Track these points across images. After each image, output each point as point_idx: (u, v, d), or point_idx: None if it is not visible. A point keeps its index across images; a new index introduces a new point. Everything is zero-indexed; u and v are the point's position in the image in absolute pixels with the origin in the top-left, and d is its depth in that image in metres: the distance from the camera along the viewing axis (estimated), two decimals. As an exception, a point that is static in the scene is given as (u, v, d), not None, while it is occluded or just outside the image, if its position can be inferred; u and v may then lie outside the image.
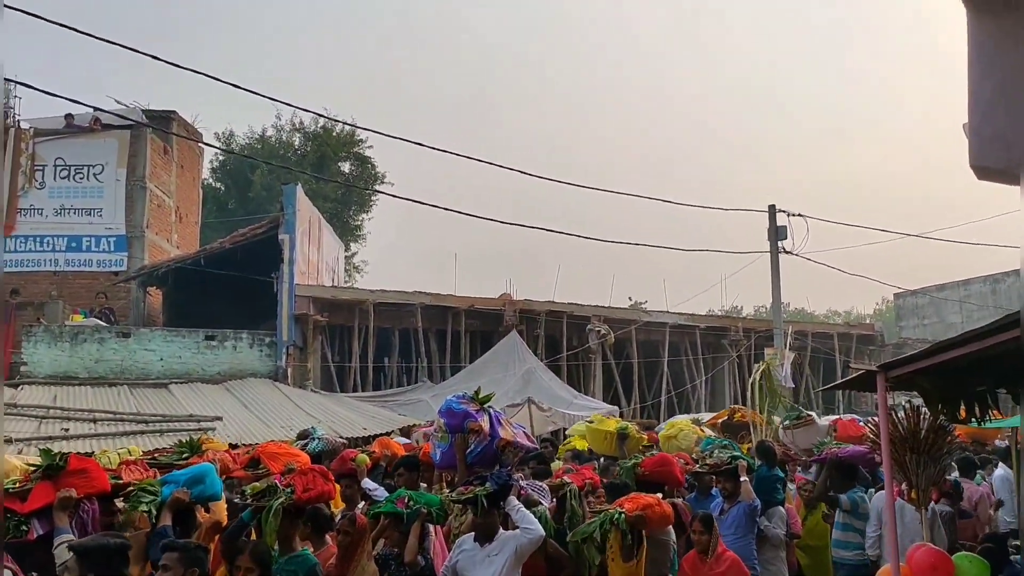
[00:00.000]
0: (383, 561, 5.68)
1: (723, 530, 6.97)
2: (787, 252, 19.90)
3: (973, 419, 5.34)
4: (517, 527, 5.47)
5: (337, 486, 6.57)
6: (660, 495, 6.70)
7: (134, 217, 21.75)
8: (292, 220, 19.20)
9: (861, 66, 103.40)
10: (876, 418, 6.95)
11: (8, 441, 12.00)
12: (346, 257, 33.00)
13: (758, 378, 12.95)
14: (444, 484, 7.61)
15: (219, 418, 14.90)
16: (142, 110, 22.36)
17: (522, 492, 6.01)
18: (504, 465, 6.66)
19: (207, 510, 5.84)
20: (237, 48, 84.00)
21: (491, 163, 13.10)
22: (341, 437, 11.74)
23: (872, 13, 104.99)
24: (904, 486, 6.62)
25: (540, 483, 6.69)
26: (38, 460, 5.59)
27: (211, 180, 35.10)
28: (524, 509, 5.57)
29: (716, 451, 8.15)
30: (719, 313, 35.65)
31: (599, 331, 21.15)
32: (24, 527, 4.80)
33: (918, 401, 5.87)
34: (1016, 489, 8.88)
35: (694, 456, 9.44)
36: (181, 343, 18.44)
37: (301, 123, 35.88)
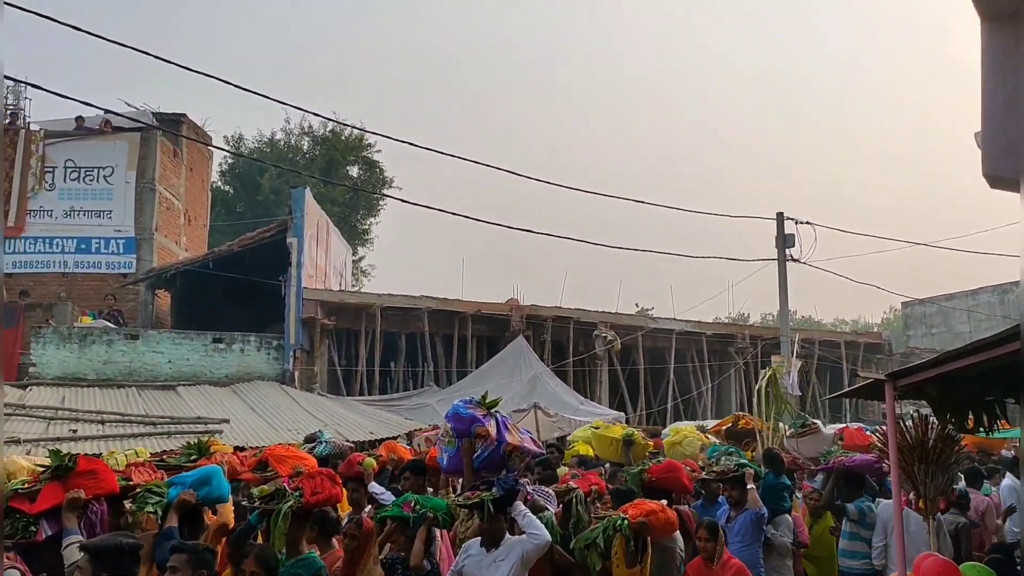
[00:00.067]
0: (389, 565, 5.69)
1: (730, 538, 6.96)
2: (795, 260, 19.88)
3: (981, 429, 5.32)
4: (523, 532, 5.47)
5: (344, 490, 6.58)
6: (666, 502, 6.70)
7: (143, 219, 21.84)
8: (300, 224, 19.26)
9: (872, 74, 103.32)
10: (884, 427, 6.94)
11: (16, 442, 12.06)
12: (353, 261, 33.06)
13: (764, 385, 12.91)
14: (450, 489, 7.61)
15: (226, 420, 14.92)
16: (152, 113, 22.47)
17: (528, 497, 6.00)
18: (511, 470, 6.65)
19: (214, 512, 5.85)
20: (247, 51, 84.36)
21: (498, 168, 13.19)
22: (348, 441, 11.75)
23: (886, 22, 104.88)
24: (912, 495, 6.60)
25: (546, 488, 6.69)
26: (46, 461, 5.61)
27: (220, 183, 35.22)
28: (530, 514, 5.56)
29: (723, 458, 8.14)
30: (726, 320, 35.58)
31: (605, 337, 21.14)
32: (33, 528, 4.81)
33: (926, 410, 5.85)
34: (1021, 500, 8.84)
35: (700, 463, 9.43)
36: (189, 345, 18.49)
37: (310, 127, 36.06)
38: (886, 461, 7.07)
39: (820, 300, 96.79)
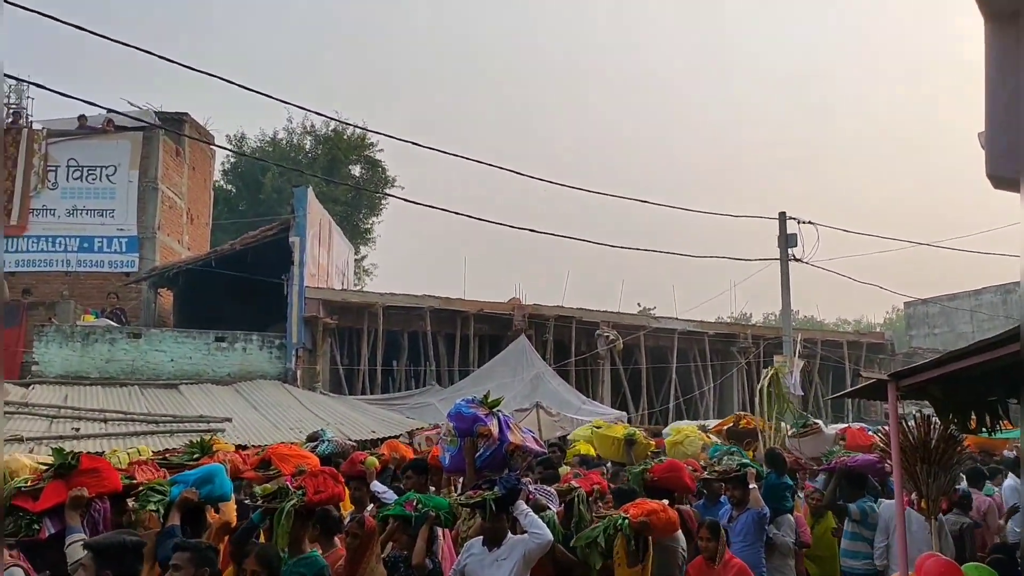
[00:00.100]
0: (392, 564, 5.69)
1: (731, 538, 6.96)
2: (797, 260, 19.86)
3: (984, 429, 5.32)
4: (525, 532, 5.48)
5: (346, 488, 6.58)
6: (668, 501, 6.70)
7: (146, 218, 21.87)
8: (303, 223, 19.27)
9: (876, 72, 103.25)
10: (886, 427, 6.93)
11: (19, 440, 12.10)
12: (356, 260, 33.08)
13: (766, 384, 12.90)
14: (452, 488, 7.62)
15: (229, 419, 14.95)
16: (155, 112, 22.51)
17: (531, 496, 6.01)
18: (513, 469, 6.66)
19: (216, 510, 5.86)
20: (249, 51, 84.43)
21: (500, 167, 13.15)
22: (350, 439, 11.76)
23: (889, 20, 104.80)
24: (914, 496, 6.59)
25: (548, 488, 6.69)
26: (49, 459, 5.62)
27: (222, 182, 35.27)
28: (533, 514, 5.57)
29: (725, 458, 8.14)
30: (728, 320, 35.53)
31: (608, 336, 21.14)
32: (36, 526, 4.82)
33: (928, 410, 5.84)
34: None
35: (702, 463, 9.43)
36: (191, 344, 18.52)
37: (312, 126, 36.09)
38: (888, 461, 7.06)
39: (823, 300, 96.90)
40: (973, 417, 5.25)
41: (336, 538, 5.67)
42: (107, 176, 21.77)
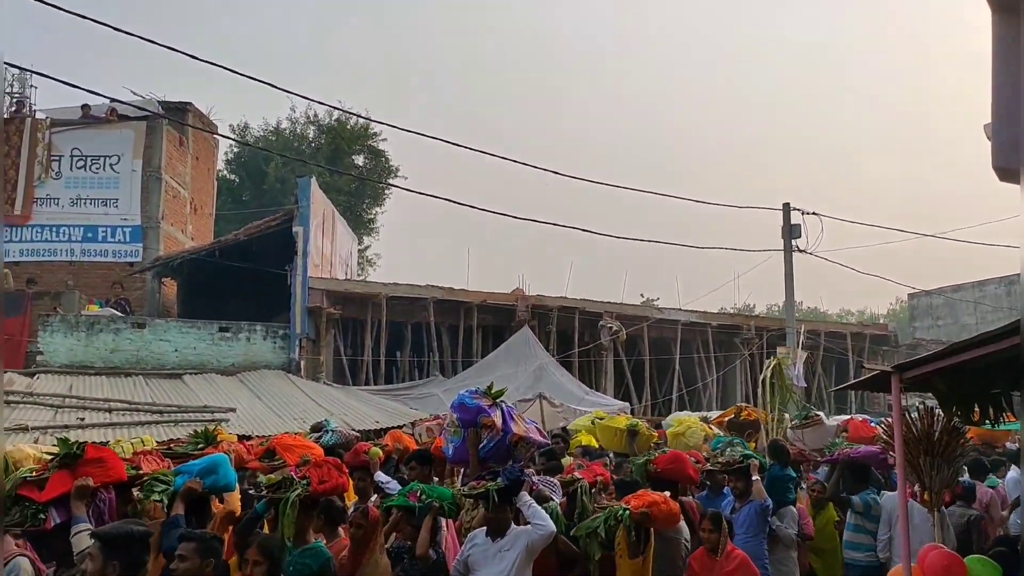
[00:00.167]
0: (395, 554, 5.71)
1: (734, 529, 6.97)
2: (801, 251, 19.83)
3: (987, 421, 5.32)
4: (529, 522, 5.49)
5: (350, 479, 6.60)
6: (670, 493, 6.71)
7: (149, 208, 21.89)
8: (306, 213, 19.29)
9: (880, 63, 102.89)
10: (889, 419, 6.93)
11: (24, 429, 12.16)
12: (359, 250, 33.09)
13: (769, 375, 12.90)
14: (455, 478, 7.64)
15: (233, 409, 14.99)
16: (158, 101, 22.50)
17: (534, 487, 6.03)
18: (516, 460, 6.68)
19: (221, 500, 5.88)
20: (253, 40, 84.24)
21: (504, 157, 13.12)
22: (354, 430, 11.78)
23: (896, 9, 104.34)
24: (916, 488, 6.60)
25: (552, 479, 6.71)
26: (54, 449, 5.64)
27: (226, 172, 35.25)
28: (536, 505, 5.59)
29: (728, 449, 8.15)
30: (731, 311, 35.55)
31: (611, 327, 21.15)
32: (42, 515, 4.84)
33: (931, 402, 5.84)
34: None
35: (705, 454, 9.44)
36: (196, 334, 18.55)
37: (315, 116, 36.02)
38: (891, 453, 7.06)
39: (826, 291, 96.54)
40: (976, 409, 5.25)
41: (340, 528, 5.69)
42: (111, 166, 21.78)
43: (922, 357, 5.05)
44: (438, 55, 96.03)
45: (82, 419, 13.75)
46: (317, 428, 10.03)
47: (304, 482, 5.45)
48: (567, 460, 9.13)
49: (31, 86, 22.14)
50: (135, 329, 18.27)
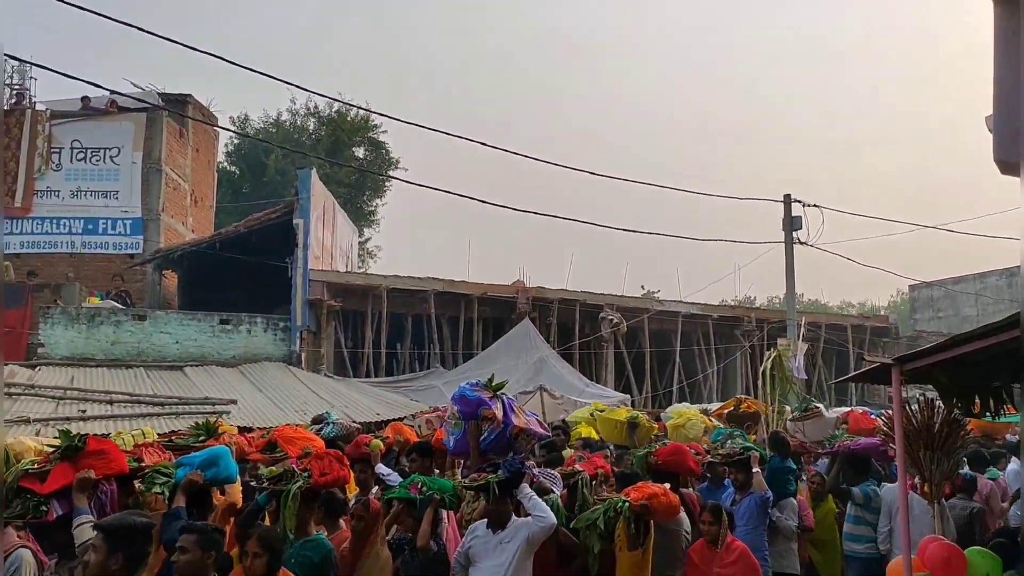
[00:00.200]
0: (396, 546, 5.73)
1: (735, 521, 6.98)
2: (802, 243, 19.81)
3: (988, 414, 5.31)
4: (529, 515, 5.50)
5: (351, 471, 6.61)
6: (671, 485, 6.72)
7: (150, 200, 21.88)
8: (307, 205, 19.28)
9: (881, 55, 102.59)
10: (889, 411, 6.93)
11: (26, 421, 12.18)
12: (360, 242, 33.07)
13: (769, 367, 12.89)
14: (456, 470, 7.64)
15: (234, 401, 15.02)
16: (158, 93, 22.46)
17: (535, 479, 6.03)
18: (517, 452, 6.69)
19: (222, 492, 5.89)
20: (253, 32, 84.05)
21: (505, 150, 13.13)
22: (355, 422, 11.79)
23: (897, 2, 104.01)
24: (916, 480, 6.60)
25: (552, 471, 6.72)
26: (55, 441, 5.64)
27: (226, 164, 35.20)
28: (536, 497, 5.60)
29: (728, 441, 8.15)
30: (732, 303, 35.57)
31: (612, 320, 21.15)
32: (44, 508, 4.84)
33: (932, 394, 5.84)
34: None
35: (705, 446, 9.44)
36: (196, 326, 18.57)
37: (316, 107, 35.95)
38: (891, 445, 7.07)
39: (827, 283, 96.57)
40: (977, 401, 5.25)
41: (341, 520, 5.70)
42: (111, 158, 21.76)
43: (923, 349, 5.04)
44: (439, 54, 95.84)
45: (83, 411, 13.79)
46: (318, 420, 10.02)
47: (305, 474, 5.46)
48: (568, 452, 9.14)
49: (31, 78, 22.14)
50: (136, 321, 18.28)
